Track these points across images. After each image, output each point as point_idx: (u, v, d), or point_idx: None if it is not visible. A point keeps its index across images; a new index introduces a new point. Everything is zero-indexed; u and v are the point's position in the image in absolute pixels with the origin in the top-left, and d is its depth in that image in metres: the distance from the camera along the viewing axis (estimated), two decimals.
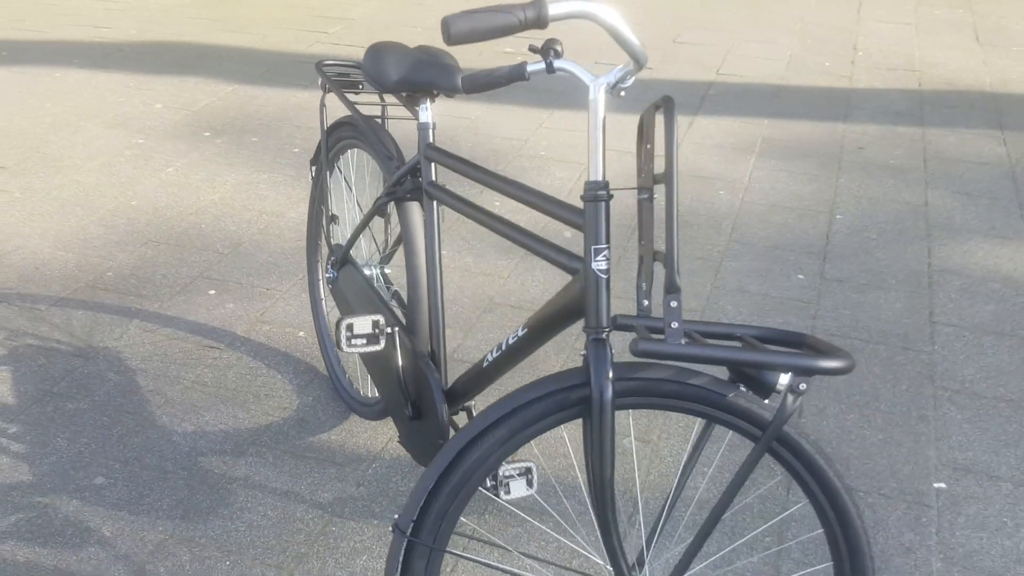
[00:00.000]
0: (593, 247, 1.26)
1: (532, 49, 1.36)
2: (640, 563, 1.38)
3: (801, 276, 2.75)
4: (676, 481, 1.41)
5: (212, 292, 2.68)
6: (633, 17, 5.36)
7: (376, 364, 1.89)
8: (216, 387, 2.28)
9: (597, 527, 1.28)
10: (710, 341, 1.21)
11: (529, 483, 1.71)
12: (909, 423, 2.15)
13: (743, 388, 1.26)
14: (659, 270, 2.51)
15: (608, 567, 1.34)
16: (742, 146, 3.66)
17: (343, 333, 1.72)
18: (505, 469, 1.64)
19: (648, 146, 1.28)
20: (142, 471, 2.01)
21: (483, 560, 1.78)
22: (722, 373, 1.29)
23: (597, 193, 1.26)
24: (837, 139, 3.71)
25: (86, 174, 3.43)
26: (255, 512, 1.91)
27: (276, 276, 2.77)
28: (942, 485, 1.97)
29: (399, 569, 1.27)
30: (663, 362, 1.27)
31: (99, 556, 1.79)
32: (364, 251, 2.34)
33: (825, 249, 2.90)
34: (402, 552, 1.27)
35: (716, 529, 1.86)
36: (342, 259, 2.05)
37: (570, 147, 3.65)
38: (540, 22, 1.15)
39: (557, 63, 1.30)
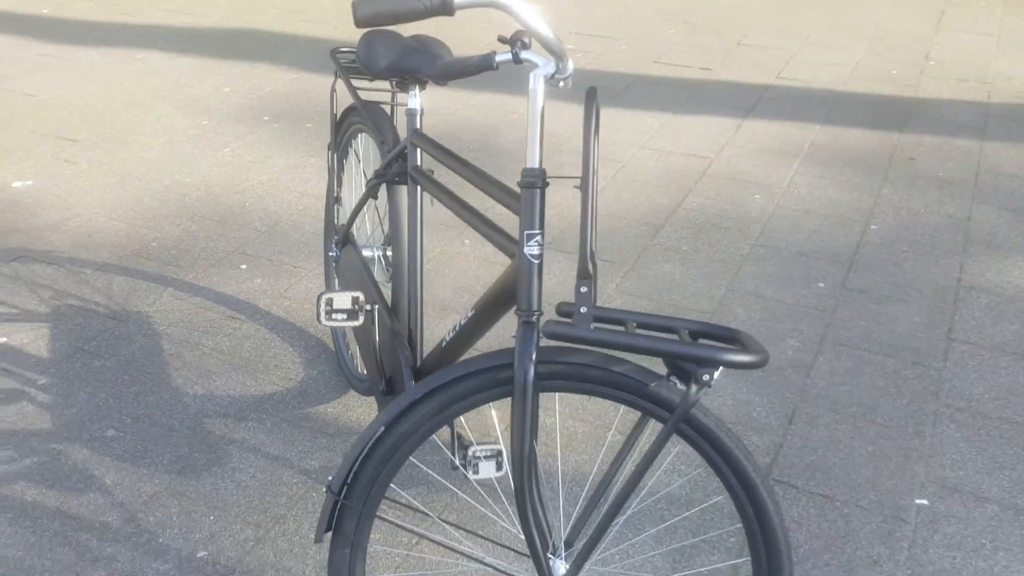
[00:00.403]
0: (526, 232, 1.30)
1: (501, 40, 1.41)
2: (556, 547, 1.41)
3: (821, 284, 2.71)
4: (606, 470, 1.44)
5: (244, 267, 2.83)
6: (700, 18, 5.31)
7: (360, 341, 1.98)
8: (231, 355, 2.41)
9: (517, 505, 1.32)
10: (640, 331, 1.24)
11: (499, 466, 1.76)
12: (903, 438, 2.11)
13: (673, 380, 1.29)
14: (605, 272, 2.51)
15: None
16: (787, 151, 3.60)
17: (322, 307, 1.81)
18: (476, 450, 1.70)
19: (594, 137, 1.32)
20: (150, 427, 2.15)
21: (410, 527, 1.83)
22: (659, 366, 1.30)
23: (532, 180, 1.30)
24: (889, 149, 3.61)
25: (149, 150, 3.64)
26: (245, 473, 2.02)
27: (305, 255, 2.89)
28: (924, 502, 1.93)
29: (327, 528, 1.35)
30: (591, 349, 1.31)
31: (97, 502, 1.93)
32: (368, 233, 2.43)
33: (852, 258, 2.84)
34: (332, 512, 1.35)
35: (655, 522, 1.88)
36: (343, 239, 2.14)
37: (611, 144, 3.67)
38: (446, 9, 1.20)
39: (523, 54, 1.35)
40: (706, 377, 1.18)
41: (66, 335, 2.49)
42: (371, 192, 1.93)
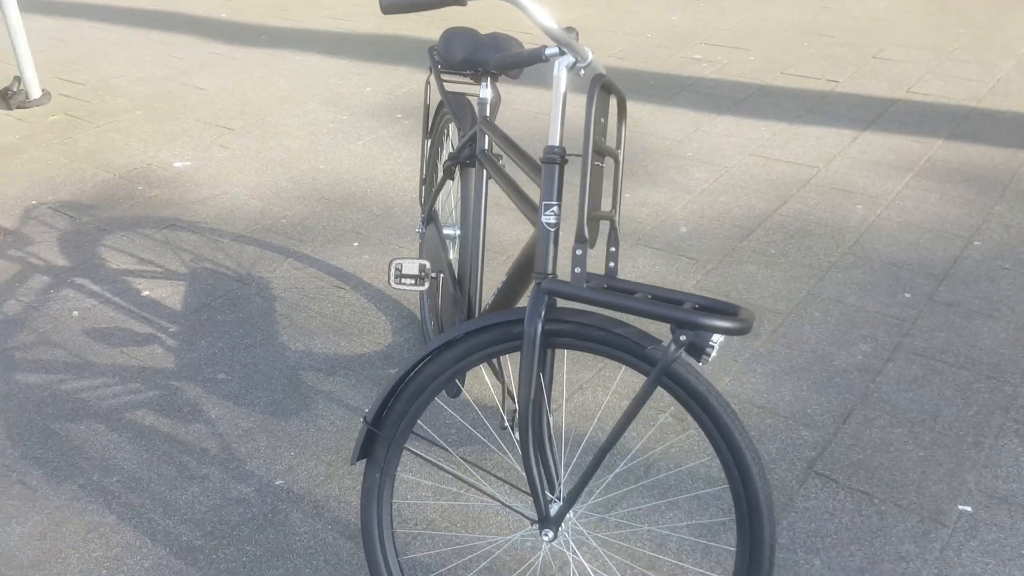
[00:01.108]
0: (544, 203, 1.46)
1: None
2: (557, 490, 1.55)
3: (908, 295, 2.68)
4: (604, 426, 1.57)
5: (355, 244, 3.11)
6: (838, 31, 5.23)
7: (429, 306, 2.19)
8: (332, 319, 2.69)
9: (520, 447, 1.48)
10: (639, 298, 1.38)
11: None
12: (960, 447, 2.09)
13: (671, 346, 1.41)
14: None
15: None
16: (901, 164, 3.54)
17: (392, 271, 2.03)
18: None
19: (602, 120, 1.46)
20: (254, 374, 2.45)
21: (432, 460, 1.99)
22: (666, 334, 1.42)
23: (552, 157, 1.46)
24: (1013, 167, 3.47)
25: (293, 140, 4.03)
26: (326, 420, 2.27)
27: (411, 238, 3.14)
28: (967, 508, 1.92)
29: (358, 453, 1.55)
30: (598, 312, 1.45)
31: (201, 431, 2.24)
32: (450, 212, 2.64)
33: (947, 272, 2.79)
34: (365, 440, 1.55)
35: (652, 481, 1.96)
36: (427, 217, 2.36)
37: (718, 150, 3.72)
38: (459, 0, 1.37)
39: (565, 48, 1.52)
40: (683, 338, 1.30)
41: (198, 293, 2.85)
42: (447, 174, 2.14)
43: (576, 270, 1.37)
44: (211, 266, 3.00)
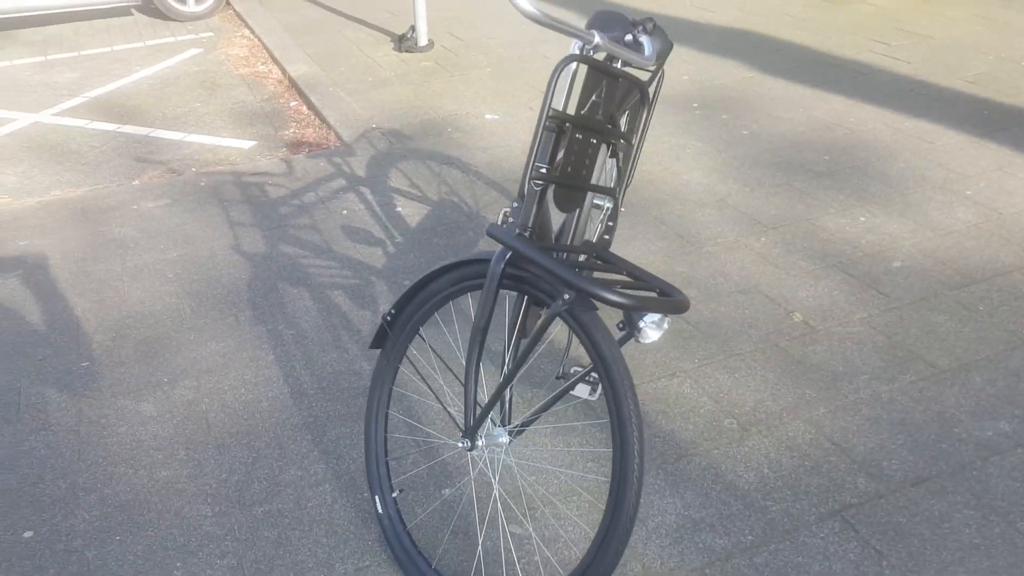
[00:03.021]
0: (535, 163, 1.67)
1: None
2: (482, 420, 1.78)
3: None
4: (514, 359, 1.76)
5: None
6: (980, 34, 4.12)
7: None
8: None
9: (466, 369, 1.73)
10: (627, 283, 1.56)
11: (592, 391, 2.13)
12: None
13: (559, 301, 1.56)
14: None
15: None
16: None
17: (500, 217, 2.32)
18: (577, 370, 2.10)
19: (594, 98, 1.63)
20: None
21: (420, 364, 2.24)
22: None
23: (550, 124, 1.66)
24: None
25: None
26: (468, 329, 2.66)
27: (634, 217, 3.36)
28: None
29: (373, 343, 1.91)
30: (555, 270, 1.64)
31: (365, 318, 2.77)
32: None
33: None
34: (377, 332, 1.91)
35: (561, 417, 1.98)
36: None
37: (1007, 194, 3.30)
38: None
39: (640, 36, 1.74)
40: (567, 296, 1.46)
41: (432, 217, 3.39)
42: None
43: (510, 219, 1.58)
44: (455, 200, 3.53)
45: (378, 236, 3.27)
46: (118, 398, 2.47)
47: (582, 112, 1.70)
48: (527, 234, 1.73)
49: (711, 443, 2.19)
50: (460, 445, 1.75)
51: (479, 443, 1.75)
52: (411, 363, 2.33)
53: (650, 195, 3.50)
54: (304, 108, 4.90)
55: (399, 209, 3.48)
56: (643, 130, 2.70)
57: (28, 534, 2.03)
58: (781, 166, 3.69)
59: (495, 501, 2.05)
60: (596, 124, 1.70)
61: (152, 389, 2.50)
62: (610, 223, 1.80)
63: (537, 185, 1.69)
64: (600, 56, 1.77)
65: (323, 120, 4.61)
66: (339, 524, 2.02)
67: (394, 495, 1.93)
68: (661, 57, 2.31)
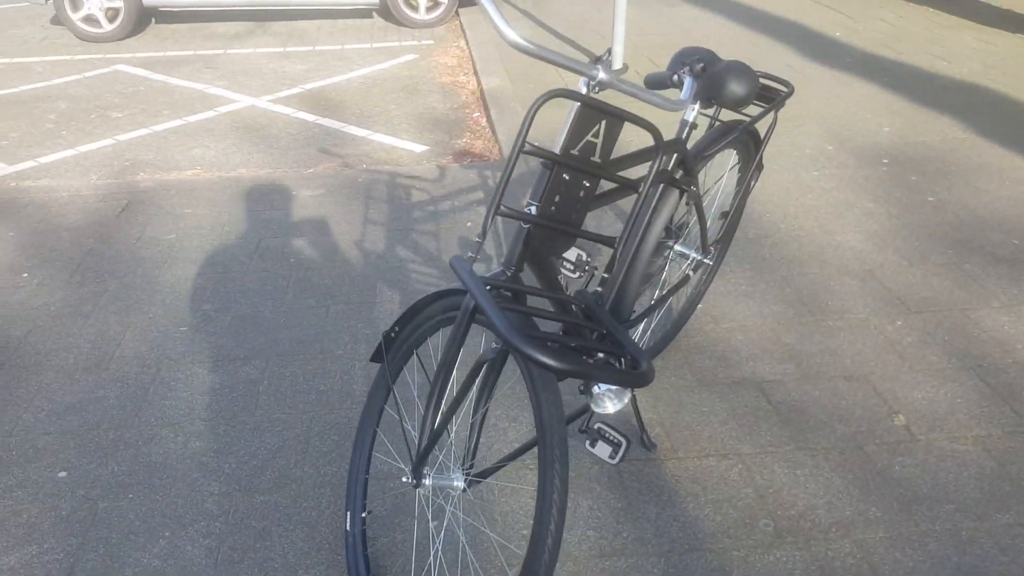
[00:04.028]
0: (528, 200, 1.56)
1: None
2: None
3: None
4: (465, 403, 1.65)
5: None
6: None
7: None
8: None
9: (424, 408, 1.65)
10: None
11: (613, 455, 1.98)
12: None
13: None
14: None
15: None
16: None
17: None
18: (603, 429, 1.98)
19: (589, 138, 1.49)
20: None
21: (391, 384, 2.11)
22: None
23: (547, 163, 1.54)
24: None
25: (773, 163, 4.10)
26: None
27: (775, 261, 3.08)
28: None
29: (373, 357, 1.87)
30: (491, 317, 1.52)
31: None
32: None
33: None
34: (376, 348, 1.87)
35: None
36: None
37: None
38: None
39: (683, 75, 1.64)
40: (494, 344, 1.35)
41: None
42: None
43: (469, 254, 1.48)
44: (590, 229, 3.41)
45: (488, 252, 3.24)
46: (194, 365, 2.63)
47: (573, 152, 1.56)
48: (510, 272, 1.62)
49: (734, 542, 1.94)
50: (404, 479, 1.68)
51: (426, 482, 1.66)
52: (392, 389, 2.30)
53: (788, 252, 3.19)
54: (483, 120, 4.99)
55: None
56: (748, 181, 2.47)
57: (62, 474, 2.21)
58: (957, 243, 3.21)
59: (438, 550, 1.94)
60: (590, 166, 1.56)
61: (226, 363, 2.64)
62: (605, 274, 1.64)
63: (524, 224, 1.58)
64: (597, 92, 1.63)
65: (494, 133, 4.66)
66: (321, 531, 2.01)
67: (364, 515, 1.89)
68: (734, 102, 2.09)
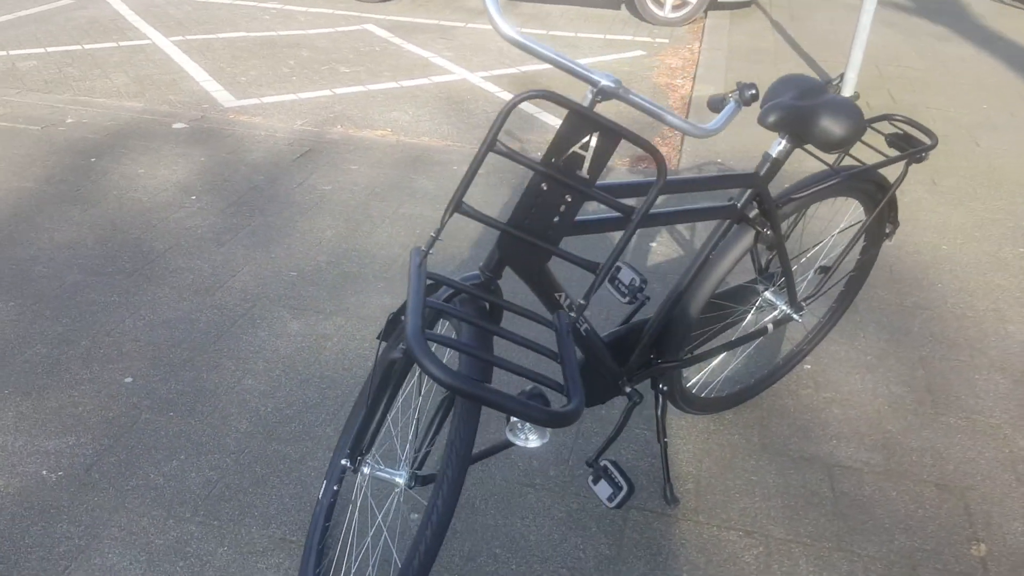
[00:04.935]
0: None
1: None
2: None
3: None
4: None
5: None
6: None
7: None
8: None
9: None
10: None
11: (611, 498, 1.86)
12: None
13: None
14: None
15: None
16: None
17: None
18: (609, 467, 1.87)
19: (573, 149, 1.37)
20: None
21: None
22: None
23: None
24: None
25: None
26: None
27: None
28: None
29: (381, 335, 1.85)
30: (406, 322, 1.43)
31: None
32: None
33: None
34: (383, 327, 1.85)
35: None
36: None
37: None
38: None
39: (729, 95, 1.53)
40: (401, 347, 1.29)
41: (669, 271, 3.11)
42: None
43: (422, 248, 1.42)
44: None
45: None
46: (283, 310, 2.77)
47: (555, 161, 1.42)
48: (484, 277, 1.53)
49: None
50: (343, 462, 1.65)
51: (364, 470, 1.62)
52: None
53: (941, 331, 2.76)
54: None
55: (652, 244, 3.26)
56: (860, 234, 2.16)
57: (128, 380, 2.42)
58: None
59: (369, 542, 1.89)
60: (573, 179, 1.42)
61: (311, 313, 2.75)
62: (581, 301, 1.50)
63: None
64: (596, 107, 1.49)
65: (681, 143, 4.45)
66: (310, 493, 2.04)
67: (335, 487, 1.88)
68: (825, 143, 1.82)
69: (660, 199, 3.61)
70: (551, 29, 6.82)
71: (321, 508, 1.88)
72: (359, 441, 1.61)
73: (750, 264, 2.85)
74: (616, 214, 1.61)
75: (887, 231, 2.27)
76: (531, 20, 7.08)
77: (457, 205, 1.41)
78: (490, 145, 1.37)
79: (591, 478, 1.94)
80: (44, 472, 2.08)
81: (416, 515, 2.00)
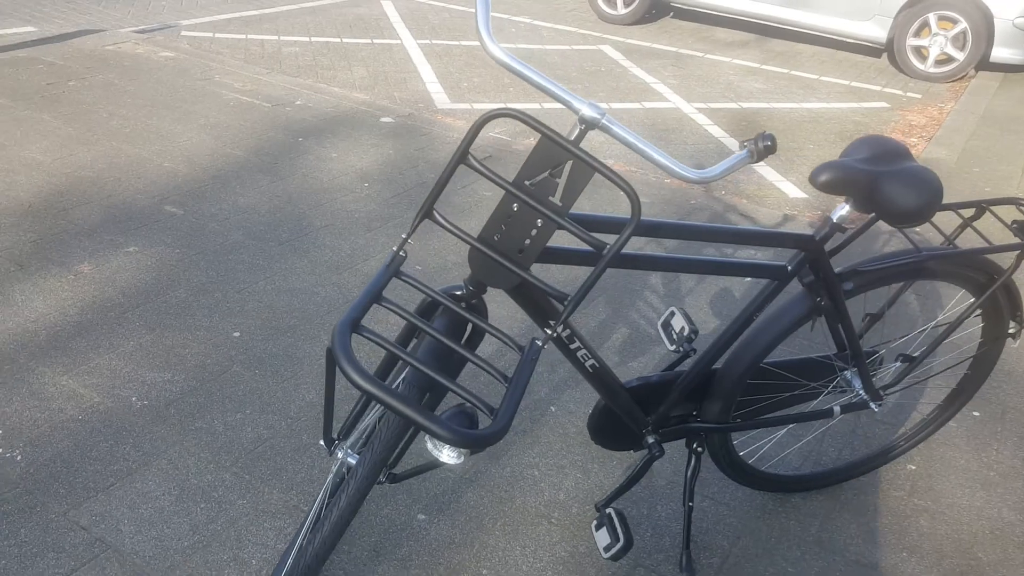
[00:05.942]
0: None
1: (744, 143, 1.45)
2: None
3: None
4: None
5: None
6: None
7: None
8: None
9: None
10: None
11: (607, 548, 1.80)
12: None
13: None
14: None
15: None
16: None
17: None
18: (614, 516, 1.82)
19: (547, 175, 1.33)
20: None
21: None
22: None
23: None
24: None
25: None
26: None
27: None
28: None
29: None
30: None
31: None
32: None
33: None
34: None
35: None
36: None
37: None
38: None
39: (746, 142, 1.44)
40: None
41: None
42: None
43: (395, 250, 1.44)
44: None
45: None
46: (384, 291, 2.90)
47: (528, 183, 1.38)
48: (459, 292, 1.52)
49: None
50: (320, 442, 1.71)
51: (338, 454, 1.67)
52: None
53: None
54: None
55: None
56: (952, 329, 1.88)
57: (236, 334, 2.66)
58: None
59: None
60: (543, 204, 1.37)
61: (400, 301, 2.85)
62: (547, 330, 1.44)
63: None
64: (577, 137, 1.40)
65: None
66: (318, 455, 2.14)
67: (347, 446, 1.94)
68: (893, 216, 1.61)
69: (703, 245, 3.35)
70: (794, 69, 6.50)
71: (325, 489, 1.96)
72: (328, 423, 1.68)
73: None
74: (587, 248, 1.53)
75: (1011, 330, 1.95)
76: (778, 57, 6.79)
77: (427, 212, 1.42)
78: (460, 158, 1.37)
79: (595, 523, 1.86)
80: (134, 399, 2.35)
81: (423, 516, 2.03)
